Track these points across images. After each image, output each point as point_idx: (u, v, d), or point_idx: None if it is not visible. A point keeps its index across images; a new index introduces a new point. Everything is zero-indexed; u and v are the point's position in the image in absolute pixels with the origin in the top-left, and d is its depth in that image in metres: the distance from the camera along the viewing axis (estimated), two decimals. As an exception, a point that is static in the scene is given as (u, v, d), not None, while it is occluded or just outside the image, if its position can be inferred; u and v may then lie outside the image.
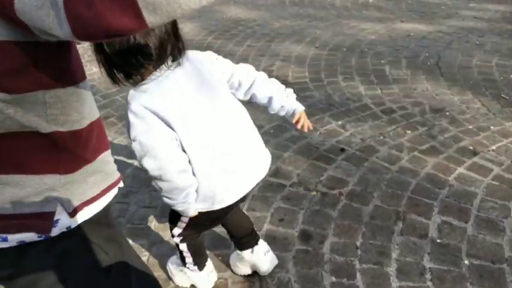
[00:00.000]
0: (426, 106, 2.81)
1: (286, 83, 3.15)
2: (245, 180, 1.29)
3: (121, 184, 0.98)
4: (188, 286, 1.62)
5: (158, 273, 1.66)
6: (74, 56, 0.80)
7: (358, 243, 1.77)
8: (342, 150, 2.38)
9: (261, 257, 1.58)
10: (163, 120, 1.12)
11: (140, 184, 2.15)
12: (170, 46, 1.09)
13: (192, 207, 1.24)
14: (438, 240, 1.77)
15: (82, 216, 0.85)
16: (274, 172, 2.20)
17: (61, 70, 0.76)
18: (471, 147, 2.37)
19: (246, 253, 1.58)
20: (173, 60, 1.13)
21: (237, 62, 3.76)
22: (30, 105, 0.72)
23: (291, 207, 1.97)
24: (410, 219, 1.89)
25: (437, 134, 2.50)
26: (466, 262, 1.67)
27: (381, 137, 2.49)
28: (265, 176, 2.14)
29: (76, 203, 0.84)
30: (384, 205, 1.97)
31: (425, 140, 2.45)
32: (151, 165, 1.17)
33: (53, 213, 0.80)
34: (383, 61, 3.53)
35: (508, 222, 1.85)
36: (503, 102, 2.83)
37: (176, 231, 1.43)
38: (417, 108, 2.79)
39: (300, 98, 3.07)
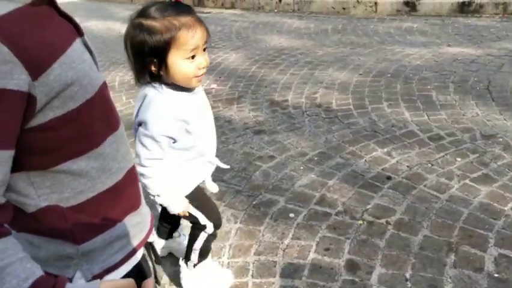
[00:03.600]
0: (477, 132, 2.71)
1: (330, 110, 3.17)
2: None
3: (152, 238, 0.93)
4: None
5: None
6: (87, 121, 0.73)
7: (407, 275, 1.71)
8: (389, 178, 2.33)
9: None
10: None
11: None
12: None
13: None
14: (496, 275, 1.68)
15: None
16: (319, 200, 2.18)
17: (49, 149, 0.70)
18: (528, 175, 2.25)
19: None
20: None
21: (281, 90, 3.83)
22: (13, 184, 0.69)
23: (337, 236, 1.94)
24: (463, 251, 1.80)
25: (490, 162, 2.40)
26: (527, 299, 1.57)
27: (429, 165, 2.42)
28: (311, 204, 2.14)
29: (96, 270, 0.78)
30: (434, 235, 1.90)
31: (477, 168, 2.35)
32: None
33: (69, 280, 0.75)
34: (429, 86, 3.46)
35: None
36: (562, 128, 2.68)
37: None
38: (467, 135, 2.69)
39: (344, 125, 3.07)
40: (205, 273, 1.68)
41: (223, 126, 3.10)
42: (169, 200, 1.40)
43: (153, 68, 1.25)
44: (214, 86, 3.89)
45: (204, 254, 1.64)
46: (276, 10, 6.87)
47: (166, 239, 1.85)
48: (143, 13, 1.23)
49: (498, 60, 3.89)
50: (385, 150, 2.60)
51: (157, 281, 1.00)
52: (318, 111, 3.16)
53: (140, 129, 1.29)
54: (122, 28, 6.62)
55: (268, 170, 2.49)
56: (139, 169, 1.25)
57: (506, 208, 2.03)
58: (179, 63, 1.23)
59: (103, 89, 0.77)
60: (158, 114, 1.28)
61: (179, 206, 1.44)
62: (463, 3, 5.64)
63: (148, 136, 1.28)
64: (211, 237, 1.62)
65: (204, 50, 1.27)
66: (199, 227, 1.57)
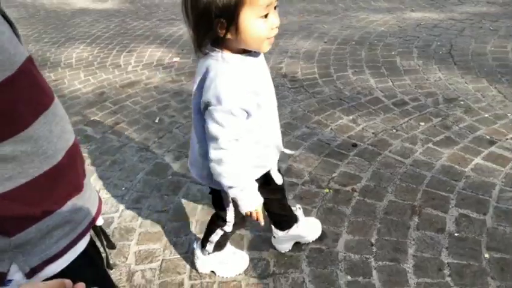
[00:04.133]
0: (440, 96, 2.74)
1: (295, 80, 3.13)
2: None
3: (100, 221, 0.87)
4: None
5: (172, 278, 1.65)
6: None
7: (373, 240, 1.73)
8: (354, 145, 2.33)
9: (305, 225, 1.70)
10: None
11: (151, 189, 2.15)
12: None
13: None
14: (456, 234, 1.72)
15: (45, 274, 0.75)
16: (286, 171, 2.17)
17: None
18: (488, 137, 2.30)
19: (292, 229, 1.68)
20: None
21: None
22: None
23: (304, 206, 1.94)
24: (426, 213, 1.84)
25: (452, 125, 2.43)
26: (486, 256, 1.62)
27: (394, 130, 2.43)
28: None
29: (34, 262, 0.73)
30: (399, 200, 1.92)
31: (440, 131, 2.39)
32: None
33: (4, 274, 0.71)
34: (393, 52, 3.46)
35: (529, 212, 1.79)
36: (520, 88, 2.74)
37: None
38: (430, 99, 2.72)
39: (309, 94, 3.03)
40: (221, 259, 1.63)
41: (186, 100, 3.02)
42: (245, 193, 1.20)
43: (220, 31, 1.05)
44: (176, 59, 3.77)
45: (220, 245, 1.58)
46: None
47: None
48: None
49: (460, 24, 3.92)
50: (351, 117, 2.60)
51: (108, 266, 0.96)
52: (284, 81, 3.11)
53: (211, 107, 1.09)
54: (77, 2, 6.31)
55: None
56: (216, 154, 1.13)
57: (466, 169, 2.07)
58: (252, 22, 1.04)
59: (28, 65, 0.68)
60: (230, 85, 1.08)
61: (254, 202, 1.23)
62: (426, -33, 5.62)
63: (224, 111, 1.08)
64: (230, 234, 1.54)
65: (275, 8, 1.09)
66: (220, 221, 1.47)
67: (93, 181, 2.21)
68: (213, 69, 1.09)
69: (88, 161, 2.38)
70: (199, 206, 2.00)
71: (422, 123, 2.47)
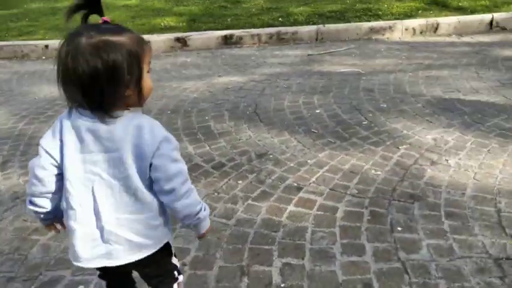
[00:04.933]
0: (252, 153, 2.99)
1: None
2: None
3: None
4: None
5: None
6: None
7: (209, 313, 1.72)
8: (180, 216, 2.33)
9: None
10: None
11: None
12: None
13: None
14: (282, 285, 1.84)
15: None
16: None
17: None
18: (295, 184, 2.58)
19: None
20: None
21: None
22: None
23: (134, 295, 1.82)
24: (253, 271, 1.92)
25: (265, 178, 2.66)
26: (309, 298, 1.76)
27: (216, 194, 2.53)
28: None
29: None
30: (228, 264, 1.97)
31: (256, 186, 2.58)
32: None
33: None
34: (207, 117, 3.67)
35: (336, 247, 2.03)
36: (314, 136, 3.19)
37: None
38: (244, 157, 2.94)
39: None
40: None
41: (-14, 201, 2.61)
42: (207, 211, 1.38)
43: (129, 92, 1.12)
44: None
45: None
46: (44, 57, 6.32)
47: None
48: (94, 30, 1.07)
49: (260, 85, 4.42)
50: (173, 188, 2.61)
51: None
52: (101, 161, 2.98)
53: (166, 151, 1.16)
54: None
55: (47, 242, 2.19)
56: (186, 187, 1.22)
57: (282, 219, 2.26)
58: (146, 77, 1.15)
59: None
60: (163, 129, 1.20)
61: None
62: (226, 36, 6.26)
63: (176, 148, 1.21)
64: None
65: None
66: (172, 275, 1.50)
67: None
68: (144, 123, 1.16)
69: None
70: (9, 329, 1.69)
71: (240, 181, 2.64)
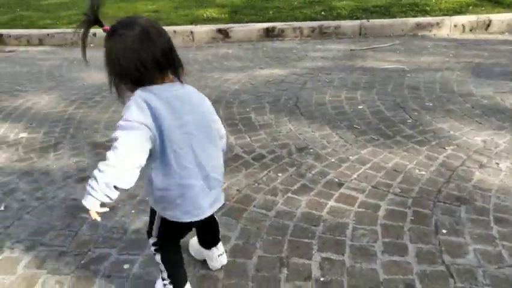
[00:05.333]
0: (292, 146, 2.99)
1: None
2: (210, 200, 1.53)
3: None
4: None
5: None
6: None
7: (248, 301, 1.74)
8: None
9: (215, 256, 1.88)
10: (155, 119, 1.32)
11: None
12: (169, 62, 1.37)
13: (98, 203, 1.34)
14: (321, 279, 1.83)
15: None
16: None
17: None
18: (336, 180, 2.56)
19: (204, 250, 1.88)
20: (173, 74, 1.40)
21: (103, 130, 3.61)
22: None
23: (176, 279, 1.87)
24: (293, 263, 1.93)
25: (306, 172, 2.65)
26: (349, 294, 1.75)
27: (256, 184, 2.55)
28: (145, 250, 2.03)
29: None
30: (267, 254, 1.99)
31: (296, 180, 2.58)
32: (125, 147, 1.30)
33: None
34: (248, 109, 3.69)
35: (377, 245, 2.01)
36: (356, 132, 3.14)
37: (151, 240, 1.61)
38: (285, 150, 2.94)
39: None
40: None
41: (38, 180, 2.75)
42: None
43: None
44: (23, 134, 3.45)
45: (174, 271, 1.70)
46: (92, 45, 6.51)
47: None
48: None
49: (302, 78, 4.40)
50: (215, 177, 2.65)
51: None
52: (145, 147, 3.06)
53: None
54: None
55: (96, 221, 2.27)
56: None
57: (323, 213, 2.25)
58: None
59: None
60: None
61: None
62: (268, 29, 6.25)
63: None
64: None
65: None
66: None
67: None
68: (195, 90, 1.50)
69: None
70: (59, 302, 1.79)
71: (280, 174, 2.65)
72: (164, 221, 1.54)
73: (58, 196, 2.55)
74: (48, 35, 6.80)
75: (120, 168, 1.28)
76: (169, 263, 1.64)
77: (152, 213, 1.59)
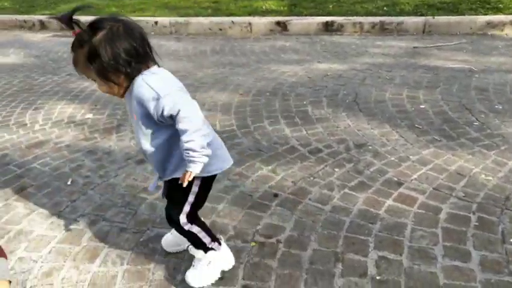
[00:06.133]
0: (350, 142, 2.93)
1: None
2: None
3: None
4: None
5: None
6: None
7: (301, 292, 1.73)
8: (276, 195, 2.37)
9: None
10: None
11: (65, 259, 1.97)
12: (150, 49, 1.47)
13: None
14: (377, 277, 1.79)
15: None
16: (210, 227, 2.11)
17: None
18: (395, 179, 2.48)
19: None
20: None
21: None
22: None
23: (230, 263, 1.90)
24: (348, 259, 1.90)
25: (364, 169, 2.59)
26: (406, 296, 1.70)
27: (312, 178, 2.53)
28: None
29: None
30: (322, 248, 1.97)
31: (353, 176, 2.53)
32: (191, 110, 1.40)
33: None
34: (304, 102, 3.66)
35: (438, 249, 1.93)
36: (418, 132, 3.03)
37: (183, 217, 1.64)
38: (342, 145, 2.89)
39: (229, 146, 3.06)
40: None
41: (102, 158, 2.88)
42: None
43: None
44: (89, 115, 3.63)
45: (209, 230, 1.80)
46: (152, 33, 6.73)
47: None
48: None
49: (361, 74, 4.30)
50: (270, 168, 2.66)
51: None
52: (203, 134, 3.12)
53: None
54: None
55: (154, 202, 2.36)
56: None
57: (380, 212, 2.20)
58: None
59: None
60: None
61: None
62: (327, 23, 6.16)
63: None
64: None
65: None
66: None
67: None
68: None
69: (-13, 235, 2.13)
70: (119, 274, 1.86)
71: (337, 169, 2.61)
72: (203, 182, 1.61)
73: (119, 175, 2.66)
74: (113, 22, 7.09)
75: (201, 128, 1.40)
76: (203, 226, 1.74)
77: (179, 191, 1.59)
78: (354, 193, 2.37)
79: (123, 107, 3.77)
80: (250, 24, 6.41)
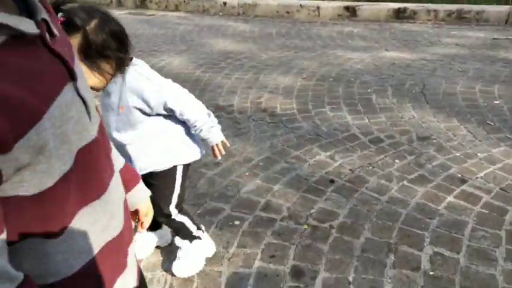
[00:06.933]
0: (413, 134, 2.84)
1: (274, 115, 3.19)
2: None
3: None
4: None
5: None
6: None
7: (350, 278, 1.74)
8: (332, 181, 2.37)
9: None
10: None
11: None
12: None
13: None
14: (431, 273, 1.75)
15: None
16: (265, 206, 2.18)
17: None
18: (459, 175, 2.38)
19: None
20: None
21: (226, 95, 3.80)
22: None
23: (282, 243, 1.95)
24: (401, 251, 1.87)
25: (425, 162, 2.51)
26: (460, 294, 1.65)
27: (370, 167, 2.49)
28: (256, 211, 2.13)
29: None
30: (375, 237, 1.96)
31: (414, 169, 2.46)
32: (190, 99, 1.53)
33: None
34: (369, 90, 3.58)
35: (499, 251, 1.84)
36: (489, 129, 2.87)
37: (172, 208, 1.67)
38: (405, 137, 2.81)
39: (288, 130, 3.07)
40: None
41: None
42: None
43: None
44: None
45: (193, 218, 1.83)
46: (221, 13, 6.84)
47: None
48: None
49: (431, 65, 4.11)
50: (328, 153, 2.65)
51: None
52: (263, 116, 3.17)
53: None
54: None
55: (213, 177, 2.45)
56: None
57: (440, 207, 2.13)
58: None
59: (91, 149, 0.64)
60: None
61: None
62: (399, 9, 5.91)
63: None
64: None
65: None
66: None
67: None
68: None
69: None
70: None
71: (397, 161, 2.55)
72: (185, 169, 1.64)
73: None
74: (184, 1, 7.28)
75: (200, 104, 1.58)
76: (189, 214, 1.79)
77: (165, 183, 1.63)
78: (413, 186, 2.31)
79: (189, 84, 3.91)
80: (318, 8, 6.31)
